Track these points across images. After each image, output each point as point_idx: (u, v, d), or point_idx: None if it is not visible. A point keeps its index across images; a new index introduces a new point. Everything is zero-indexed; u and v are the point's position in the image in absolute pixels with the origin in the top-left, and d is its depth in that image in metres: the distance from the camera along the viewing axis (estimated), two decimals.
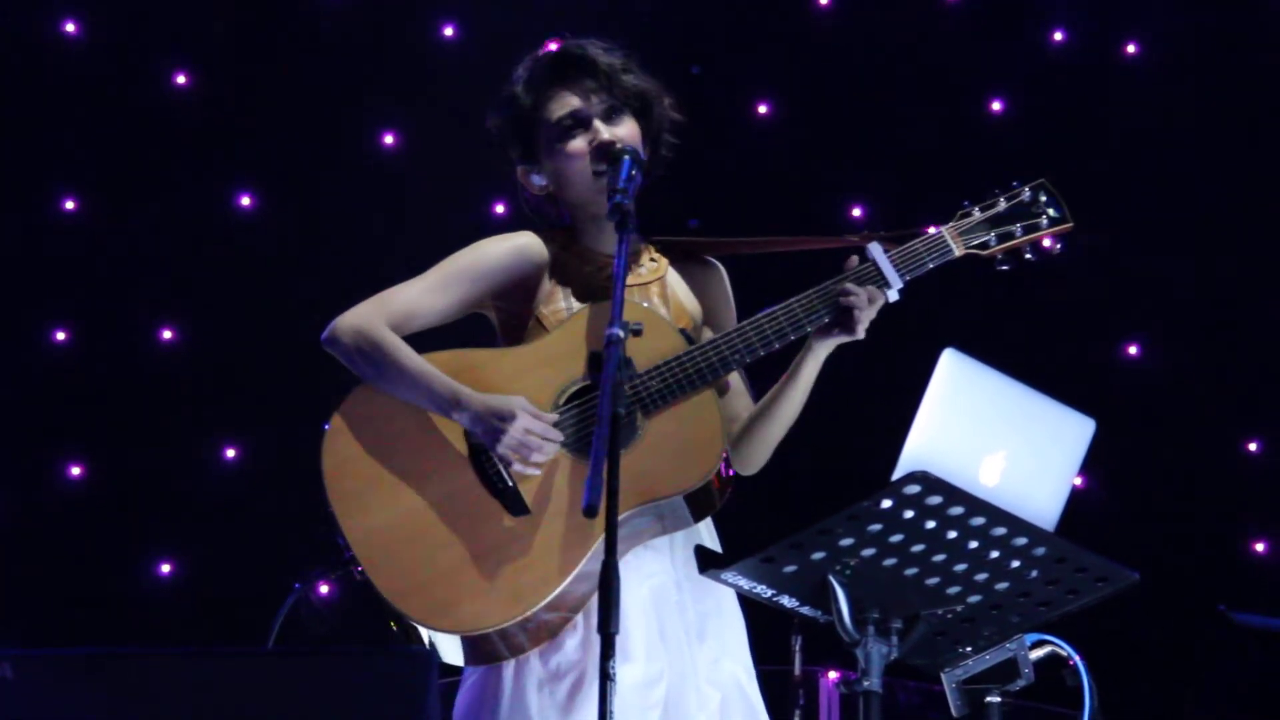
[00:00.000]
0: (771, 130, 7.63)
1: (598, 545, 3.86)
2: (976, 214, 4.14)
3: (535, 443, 3.92)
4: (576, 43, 4.25)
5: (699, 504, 3.98)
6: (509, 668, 3.96)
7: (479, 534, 3.94)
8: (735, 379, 4.23)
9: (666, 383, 3.97)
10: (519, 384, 4.01)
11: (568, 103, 4.19)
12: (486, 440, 3.95)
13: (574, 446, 3.99)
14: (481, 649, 3.96)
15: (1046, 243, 4.15)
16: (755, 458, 4.19)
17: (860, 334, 4.01)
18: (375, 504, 3.99)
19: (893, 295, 4.05)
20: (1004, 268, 4.14)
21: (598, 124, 4.16)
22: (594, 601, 3.88)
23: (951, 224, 4.12)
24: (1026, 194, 4.16)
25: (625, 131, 4.16)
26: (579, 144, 4.15)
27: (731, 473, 4.05)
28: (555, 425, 3.97)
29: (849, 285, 4.01)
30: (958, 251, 4.09)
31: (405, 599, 3.93)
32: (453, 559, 3.93)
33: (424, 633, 3.99)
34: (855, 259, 4.07)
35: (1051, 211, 4.15)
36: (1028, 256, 4.16)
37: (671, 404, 3.97)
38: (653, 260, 4.26)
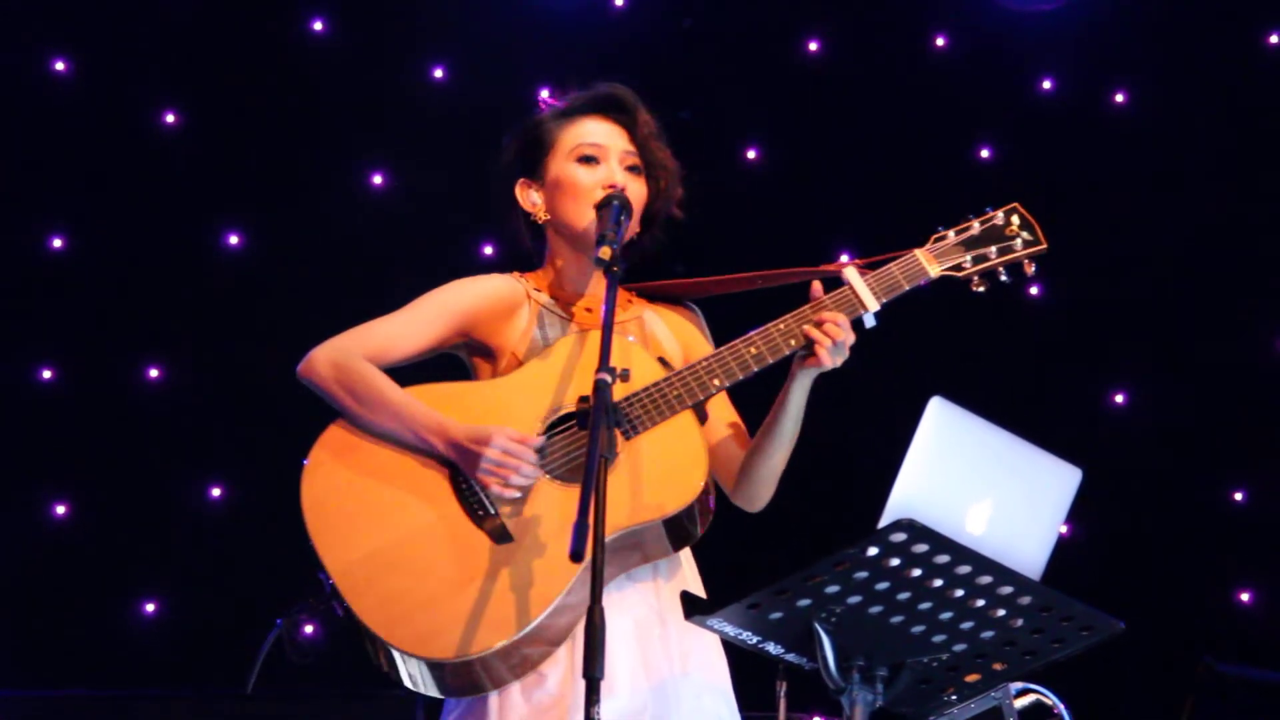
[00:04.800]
0: (760, 175, 7.64)
1: (578, 576, 3.85)
2: (951, 236, 4.16)
3: (514, 464, 3.90)
4: (628, 89, 4.29)
5: (679, 532, 3.97)
6: (493, 704, 3.94)
7: (462, 563, 3.92)
8: (729, 418, 4.23)
9: (646, 407, 3.97)
10: (502, 411, 4.02)
11: (595, 134, 4.23)
12: (466, 465, 3.94)
13: (558, 474, 3.99)
14: (464, 678, 3.91)
15: (1023, 267, 4.17)
16: (757, 495, 4.19)
17: (826, 361, 3.98)
18: (356, 535, 3.97)
19: (869, 320, 4.04)
20: (980, 289, 4.15)
21: (614, 166, 4.19)
22: (578, 633, 3.90)
23: (926, 247, 4.14)
24: (1000, 218, 4.19)
25: (635, 189, 4.20)
26: (589, 176, 4.18)
27: (713, 504, 4.03)
28: (539, 450, 3.97)
29: (822, 312, 4.01)
30: (933, 272, 4.10)
31: (389, 628, 3.89)
32: (436, 587, 3.91)
33: (400, 666, 3.95)
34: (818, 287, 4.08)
35: (1026, 235, 4.17)
36: (1003, 279, 4.16)
37: (651, 428, 3.97)
38: (630, 303, 4.28)
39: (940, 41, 7.70)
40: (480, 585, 3.89)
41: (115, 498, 7.30)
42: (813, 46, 7.72)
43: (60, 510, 7.31)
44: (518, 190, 4.29)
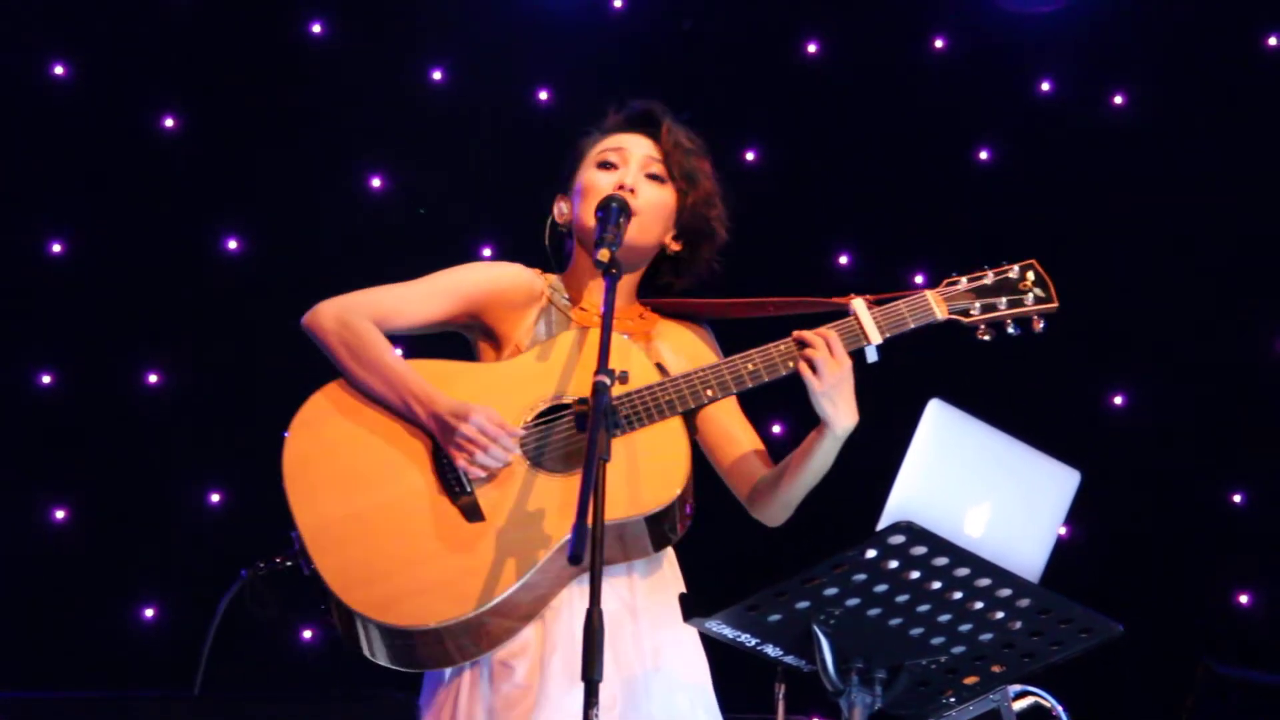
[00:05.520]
0: (760, 176, 7.63)
1: (547, 558, 3.87)
2: (963, 283, 4.21)
3: (485, 443, 3.94)
4: (661, 104, 4.37)
5: (658, 532, 3.98)
6: (462, 695, 3.96)
7: (432, 535, 3.94)
8: (746, 432, 4.25)
9: (636, 408, 4.00)
10: (493, 396, 4.05)
11: (618, 143, 4.30)
12: (442, 437, 3.98)
13: (535, 460, 4.01)
14: (429, 649, 3.92)
15: (1031, 323, 4.23)
16: (777, 516, 4.24)
17: (817, 383, 3.97)
18: (331, 497, 4.01)
19: (871, 354, 4.07)
20: (985, 338, 4.19)
21: (633, 170, 4.25)
22: (548, 623, 3.94)
23: (938, 289, 4.19)
24: (1014, 271, 4.24)
25: (649, 194, 4.25)
26: (605, 180, 4.24)
27: (690, 510, 4.04)
28: (523, 438, 4.00)
29: (809, 334, 4.03)
30: (940, 314, 4.15)
31: (349, 590, 3.91)
32: (402, 556, 3.93)
33: (360, 633, 3.93)
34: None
35: (1038, 291, 4.23)
36: (1010, 331, 4.22)
37: (639, 428, 4.00)
38: (641, 318, 4.31)
39: (939, 43, 7.69)
40: (446, 558, 3.92)
41: (115, 501, 7.29)
42: (812, 47, 7.71)
43: (60, 514, 7.31)
44: (555, 204, 4.37)
